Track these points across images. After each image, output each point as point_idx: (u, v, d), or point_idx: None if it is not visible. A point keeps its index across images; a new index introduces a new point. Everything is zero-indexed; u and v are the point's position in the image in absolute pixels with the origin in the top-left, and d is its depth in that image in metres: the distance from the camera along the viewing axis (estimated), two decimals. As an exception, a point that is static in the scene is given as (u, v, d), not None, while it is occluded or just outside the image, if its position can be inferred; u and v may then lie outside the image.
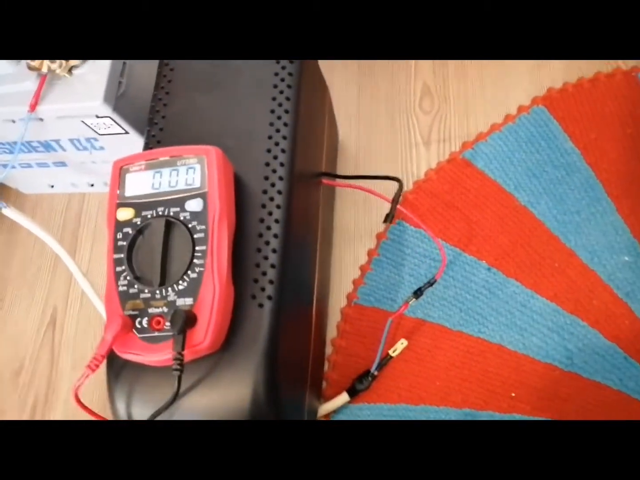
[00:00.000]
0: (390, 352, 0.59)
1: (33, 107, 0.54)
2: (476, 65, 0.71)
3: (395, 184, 0.62)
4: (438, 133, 0.69)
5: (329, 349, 0.63)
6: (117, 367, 0.42)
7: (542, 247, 0.62)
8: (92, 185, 0.77)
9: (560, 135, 0.66)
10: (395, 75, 0.73)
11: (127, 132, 0.59)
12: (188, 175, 0.43)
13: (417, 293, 0.56)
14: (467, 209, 0.64)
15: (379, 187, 0.62)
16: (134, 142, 0.61)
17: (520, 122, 0.67)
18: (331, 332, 0.64)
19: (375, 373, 0.57)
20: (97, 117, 0.55)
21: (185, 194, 0.42)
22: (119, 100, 0.55)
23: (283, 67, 0.50)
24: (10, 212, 0.52)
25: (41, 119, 0.57)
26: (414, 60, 0.73)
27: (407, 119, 0.71)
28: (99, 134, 0.60)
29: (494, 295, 0.61)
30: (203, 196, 0.42)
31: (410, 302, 0.56)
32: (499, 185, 0.65)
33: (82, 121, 0.57)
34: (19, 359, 0.71)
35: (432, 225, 0.64)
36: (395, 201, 0.51)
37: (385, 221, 0.53)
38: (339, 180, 0.57)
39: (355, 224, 0.67)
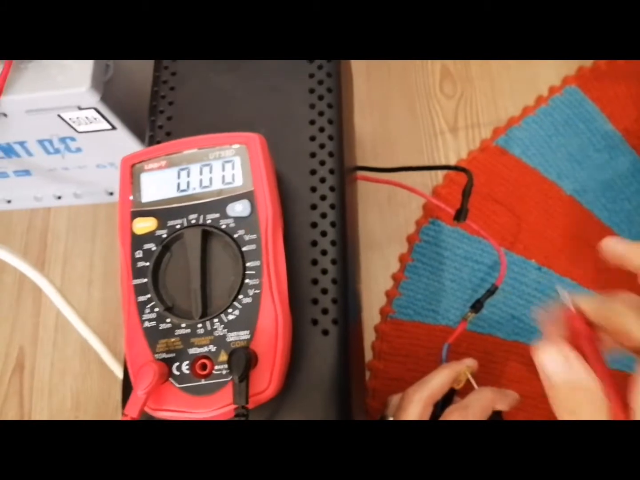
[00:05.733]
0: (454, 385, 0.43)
1: (-5, 99, 0.43)
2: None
3: (427, 177, 0.54)
4: (465, 119, 0.62)
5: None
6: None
7: (595, 240, 0.55)
8: (60, 197, 0.65)
9: (598, 117, 0.60)
10: (408, 58, 0.65)
11: (114, 128, 0.48)
12: (225, 172, 0.33)
13: (476, 306, 0.46)
14: (509, 202, 0.57)
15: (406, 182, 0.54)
16: (121, 140, 0.50)
17: (554, 104, 0.61)
18: (365, 354, 0.55)
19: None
20: (80, 108, 0.44)
21: (225, 196, 0.33)
22: (107, 86, 0.44)
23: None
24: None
25: (4, 114, 0.46)
26: (428, 41, 0.65)
27: (428, 104, 0.63)
28: (78, 132, 0.48)
29: (548, 297, 0.54)
30: (249, 197, 0.32)
31: (468, 319, 0.47)
32: (540, 174, 0.58)
33: (59, 115, 0.45)
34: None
35: (471, 221, 0.57)
36: (466, 194, 0.43)
37: (456, 219, 0.44)
38: (377, 175, 0.48)
39: (382, 227, 0.59)
